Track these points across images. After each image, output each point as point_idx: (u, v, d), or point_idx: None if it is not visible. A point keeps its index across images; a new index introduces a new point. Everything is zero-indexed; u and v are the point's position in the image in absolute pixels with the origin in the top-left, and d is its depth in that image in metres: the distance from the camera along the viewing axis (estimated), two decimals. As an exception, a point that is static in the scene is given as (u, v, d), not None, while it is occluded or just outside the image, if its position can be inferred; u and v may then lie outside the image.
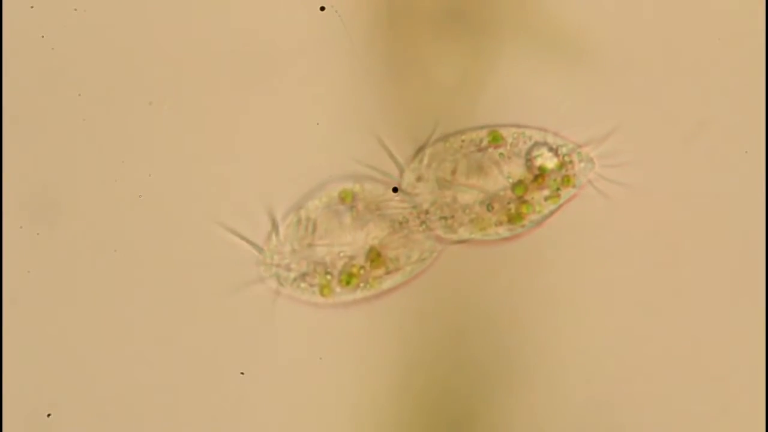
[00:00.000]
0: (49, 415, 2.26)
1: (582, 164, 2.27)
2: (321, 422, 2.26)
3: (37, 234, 2.27)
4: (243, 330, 2.27)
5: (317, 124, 2.29)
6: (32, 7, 2.29)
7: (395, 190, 2.28)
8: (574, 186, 2.27)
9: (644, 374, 2.26)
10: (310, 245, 2.25)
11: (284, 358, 2.27)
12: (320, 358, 2.27)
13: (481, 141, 2.27)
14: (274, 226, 2.26)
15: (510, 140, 2.26)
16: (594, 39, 2.30)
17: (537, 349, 2.25)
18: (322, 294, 2.25)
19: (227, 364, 2.26)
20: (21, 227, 2.27)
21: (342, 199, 2.26)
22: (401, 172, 2.28)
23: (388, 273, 2.25)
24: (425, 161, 2.27)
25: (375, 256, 2.24)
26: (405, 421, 2.26)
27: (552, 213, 2.27)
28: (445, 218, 2.26)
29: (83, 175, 2.28)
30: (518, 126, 2.28)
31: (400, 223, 2.25)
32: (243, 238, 2.26)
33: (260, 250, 2.26)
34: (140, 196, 2.28)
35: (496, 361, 2.26)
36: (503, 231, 2.26)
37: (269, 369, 2.26)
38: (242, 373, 2.26)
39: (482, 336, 2.26)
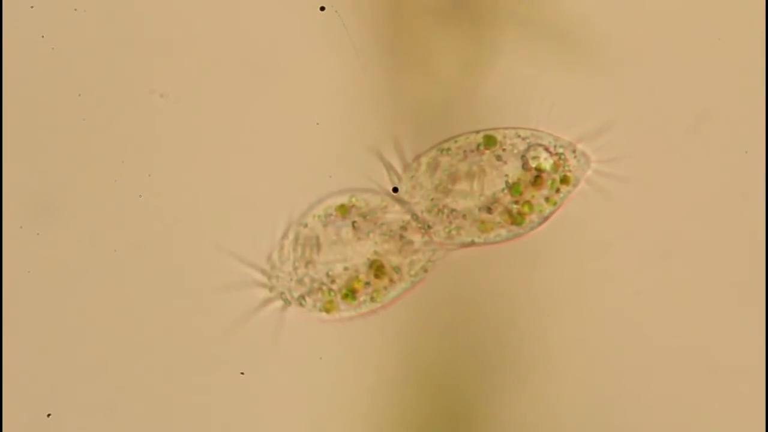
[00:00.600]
0: (49, 415, 2.26)
1: (579, 162, 2.27)
2: (321, 422, 2.26)
3: (37, 234, 2.27)
4: (243, 330, 2.27)
5: (317, 124, 2.29)
6: (32, 7, 2.29)
7: (395, 190, 2.28)
8: (572, 184, 2.27)
9: (643, 368, 2.26)
10: (311, 262, 2.25)
11: (284, 358, 2.27)
12: (320, 358, 2.27)
13: (477, 146, 2.27)
14: (275, 245, 2.26)
15: (506, 142, 2.26)
16: (595, 33, 2.30)
17: (536, 343, 2.26)
18: (326, 311, 2.25)
19: (227, 364, 2.26)
20: (21, 227, 2.27)
21: (339, 213, 2.26)
22: (399, 176, 2.28)
23: (392, 283, 2.25)
24: (421, 168, 2.27)
25: (377, 268, 2.24)
26: (405, 419, 2.26)
27: (552, 212, 2.27)
28: (444, 224, 2.26)
29: (83, 175, 2.28)
30: (513, 127, 2.28)
31: (400, 233, 2.25)
32: (245, 261, 2.26)
33: (264, 271, 2.26)
34: (140, 196, 2.28)
35: (496, 356, 2.26)
36: (504, 233, 2.26)
37: (269, 369, 2.26)
38: (242, 373, 2.26)
39: (482, 331, 2.26)
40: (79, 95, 2.28)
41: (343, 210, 2.26)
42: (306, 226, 2.25)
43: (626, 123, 2.29)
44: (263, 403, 2.27)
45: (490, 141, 2.26)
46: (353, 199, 2.26)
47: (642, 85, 2.30)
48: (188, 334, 2.26)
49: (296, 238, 2.25)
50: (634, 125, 2.29)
